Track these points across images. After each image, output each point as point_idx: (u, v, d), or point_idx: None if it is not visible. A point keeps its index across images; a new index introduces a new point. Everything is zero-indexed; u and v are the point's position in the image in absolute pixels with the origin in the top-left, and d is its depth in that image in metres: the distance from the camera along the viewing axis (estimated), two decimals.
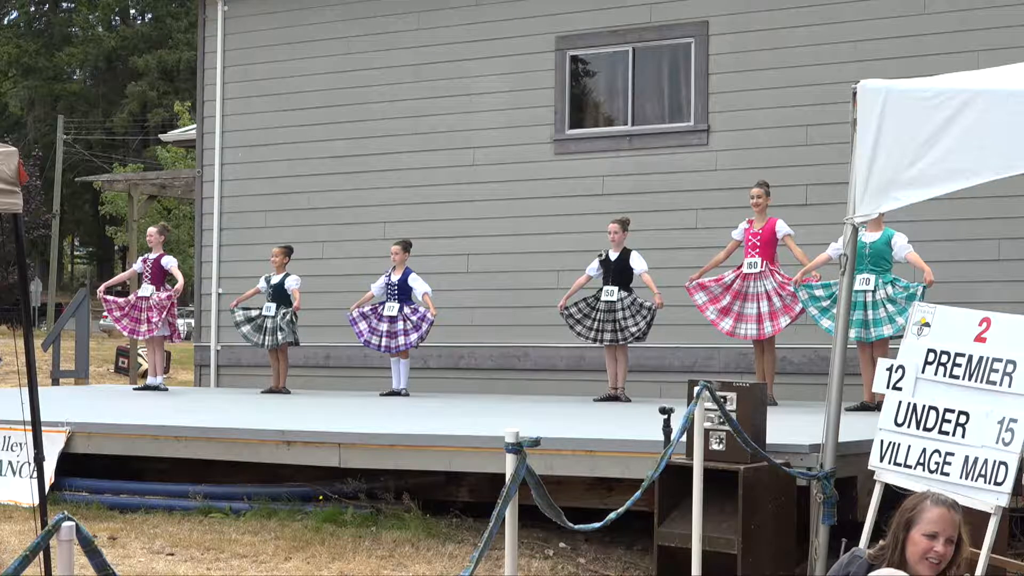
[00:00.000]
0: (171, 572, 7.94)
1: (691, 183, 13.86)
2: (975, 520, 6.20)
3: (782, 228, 11.56)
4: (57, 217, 53.06)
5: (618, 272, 12.40)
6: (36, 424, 6.33)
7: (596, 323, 12.38)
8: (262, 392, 14.33)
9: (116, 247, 58.99)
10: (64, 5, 66.93)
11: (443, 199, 15.16)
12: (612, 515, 5.52)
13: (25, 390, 6.29)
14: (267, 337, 13.96)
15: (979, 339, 6.40)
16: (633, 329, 12.23)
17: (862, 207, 6.85)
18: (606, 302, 12.35)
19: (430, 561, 8.12)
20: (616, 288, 12.35)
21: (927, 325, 6.64)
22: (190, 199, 23.04)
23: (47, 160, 57.08)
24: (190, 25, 56.46)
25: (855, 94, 6.91)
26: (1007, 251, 12.34)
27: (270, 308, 13.99)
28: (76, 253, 73.64)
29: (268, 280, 14.13)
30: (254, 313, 14.13)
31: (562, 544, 8.63)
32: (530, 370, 14.56)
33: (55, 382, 18.23)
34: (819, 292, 11.03)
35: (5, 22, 66.05)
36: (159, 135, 34.07)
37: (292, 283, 13.96)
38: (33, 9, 67.05)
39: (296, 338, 14.00)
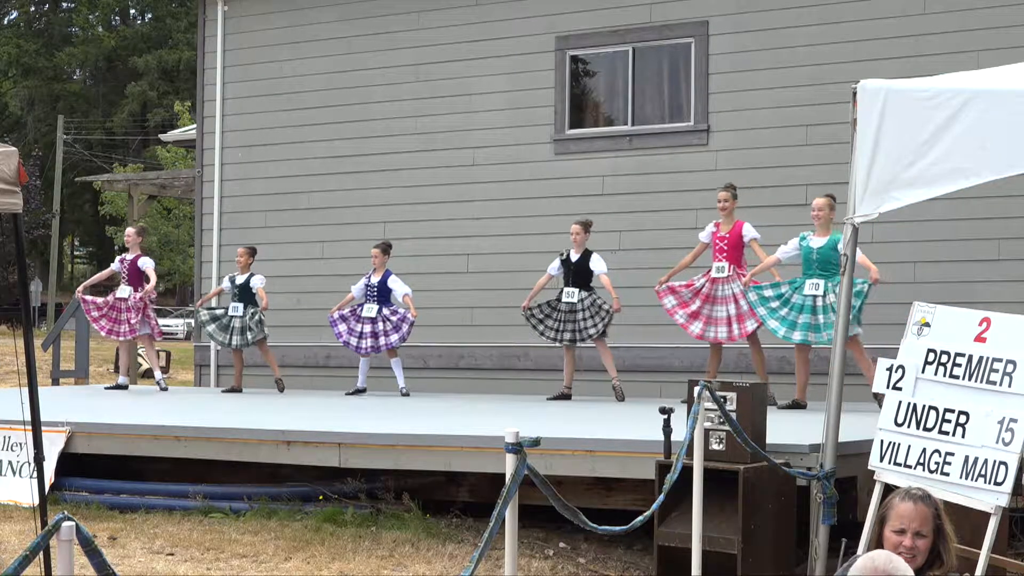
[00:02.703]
0: (171, 572, 7.94)
1: (691, 183, 13.85)
2: (975, 520, 6.21)
3: (748, 232, 11.56)
4: (57, 217, 53.07)
5: (578, 273, 12.50)
6: (36, 424, 6.33)
7: (558, 323, 12.52)
8: (223, 391, 14.54)
9: (116, 247, 58.89)
10: (64, 5, 66.91)
11: (443, 199, 15.15)
12: (639, 519, 5.65)
13: (25, 390, 6.29)
14: (235, 337, 14.12)
15: (979, 339, 6.40)
16: (592, 330, 12.36)
17: (862, 207, 6.86)
18: (567, 303, 12.46)
19: (430, 561, 8.12)
20: (576, 290, 12.46)
21: (927, 325, 6.64)
22: (190, 199, 23.06)
23: (47, 160, 57.09)
24: (190, 25, 56.45)
25: (855, 94, 6.91)
26: (1007, 251, 12.33)
27: (237, 308, 14.15)
28: (76, 253, 73.59)
29: (233, 280, 14.30)
30: (219, 312, 14.33)
31: (562, 544, 8.63)
32: (530, 370, 14.55)
33: (55, 382, 18.21)
34: (768, 293, 11.04)
35: (5, 22, 66.03)
36: (159, 135, 34.05)
37: (258, 283, 14.14)
38: (33, 9, 67.03)
39: (265, 334, 14.15)
